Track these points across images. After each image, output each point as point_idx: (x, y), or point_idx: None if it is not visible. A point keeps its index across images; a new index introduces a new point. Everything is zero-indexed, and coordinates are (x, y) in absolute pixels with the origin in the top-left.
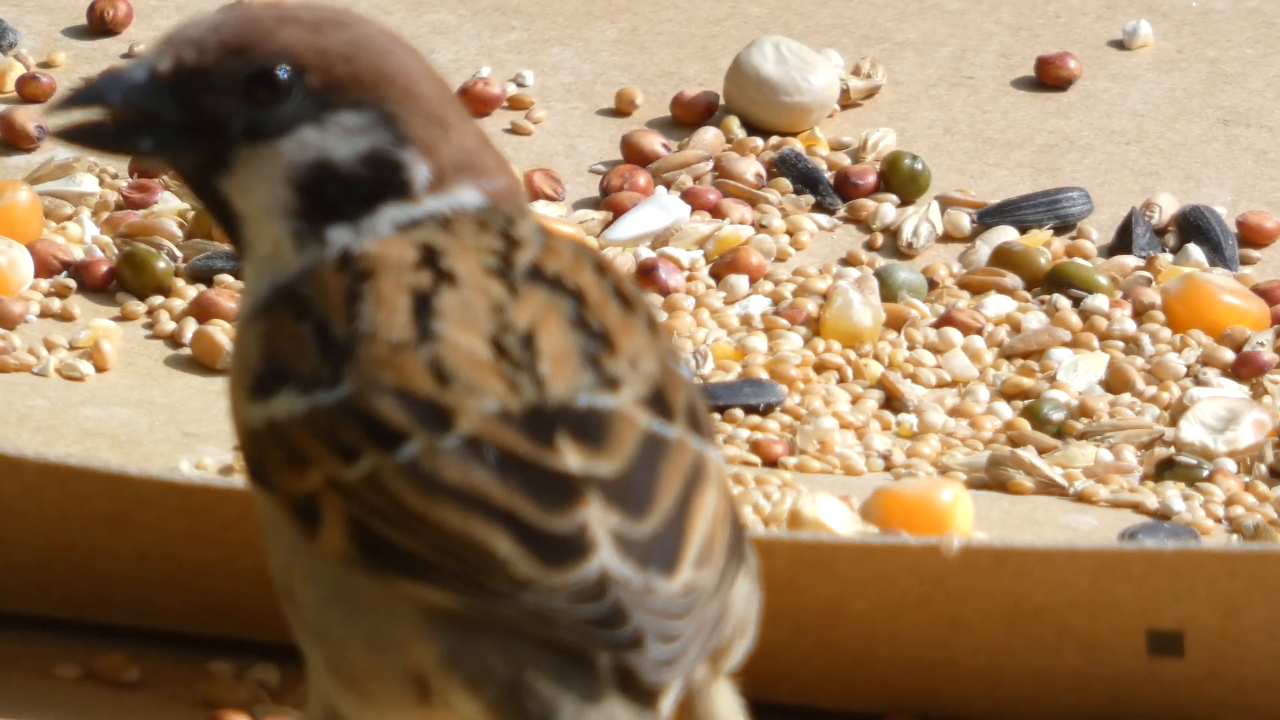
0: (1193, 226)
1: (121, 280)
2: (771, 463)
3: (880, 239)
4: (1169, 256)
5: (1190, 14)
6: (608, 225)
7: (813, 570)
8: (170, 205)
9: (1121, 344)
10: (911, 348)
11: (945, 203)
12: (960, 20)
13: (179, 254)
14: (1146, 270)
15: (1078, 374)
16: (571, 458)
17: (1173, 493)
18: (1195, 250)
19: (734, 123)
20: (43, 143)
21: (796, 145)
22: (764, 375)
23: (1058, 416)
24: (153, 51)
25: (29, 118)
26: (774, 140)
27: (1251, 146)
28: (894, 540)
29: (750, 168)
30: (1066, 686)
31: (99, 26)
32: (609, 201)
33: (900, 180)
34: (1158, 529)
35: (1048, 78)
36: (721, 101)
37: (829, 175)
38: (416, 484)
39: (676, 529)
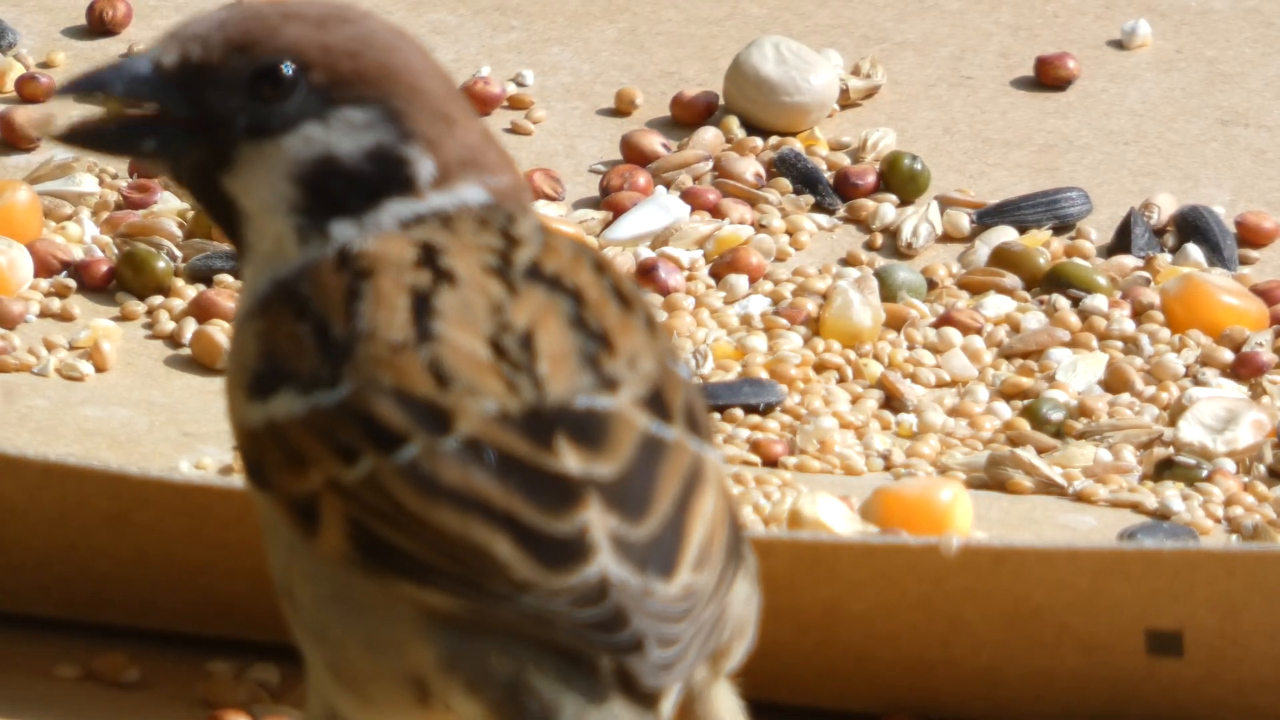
0: (1191, 226)
1: (121, 280)
2: (771, 462)
3: (880, 239)
4: (1168, 256)
5: (1189, 14)
6: (608, 225)
7: (812, 570)
8: (170, 205)
9: (1120, 344)
10: (911, 348)
11: (945, 203)
12: (959, 20)
13: (179, 254)
14: (1145, 270)
15: (1077, 374)
16: (571, 460)
17: (1172, 493)
18: (1194, 250)
19: (734, 123)
20: (42, 142)
21: (796, 145)
22: (764, 375)
23: (1057, 416)
24: (157, 45)
25: (29, 118)
26: (773, 140)
27: (1250, 146)
28: (893, 540)
29: (750, 168)
30: (1066, 686)
31: (98, 26)
32: (609, 201)
33: (900, 180)
34: (1157, 529)
35: (1047, 78)
36: (721, 101)
37: (828, 175)
38: (416, 486)
39: (675, 531)
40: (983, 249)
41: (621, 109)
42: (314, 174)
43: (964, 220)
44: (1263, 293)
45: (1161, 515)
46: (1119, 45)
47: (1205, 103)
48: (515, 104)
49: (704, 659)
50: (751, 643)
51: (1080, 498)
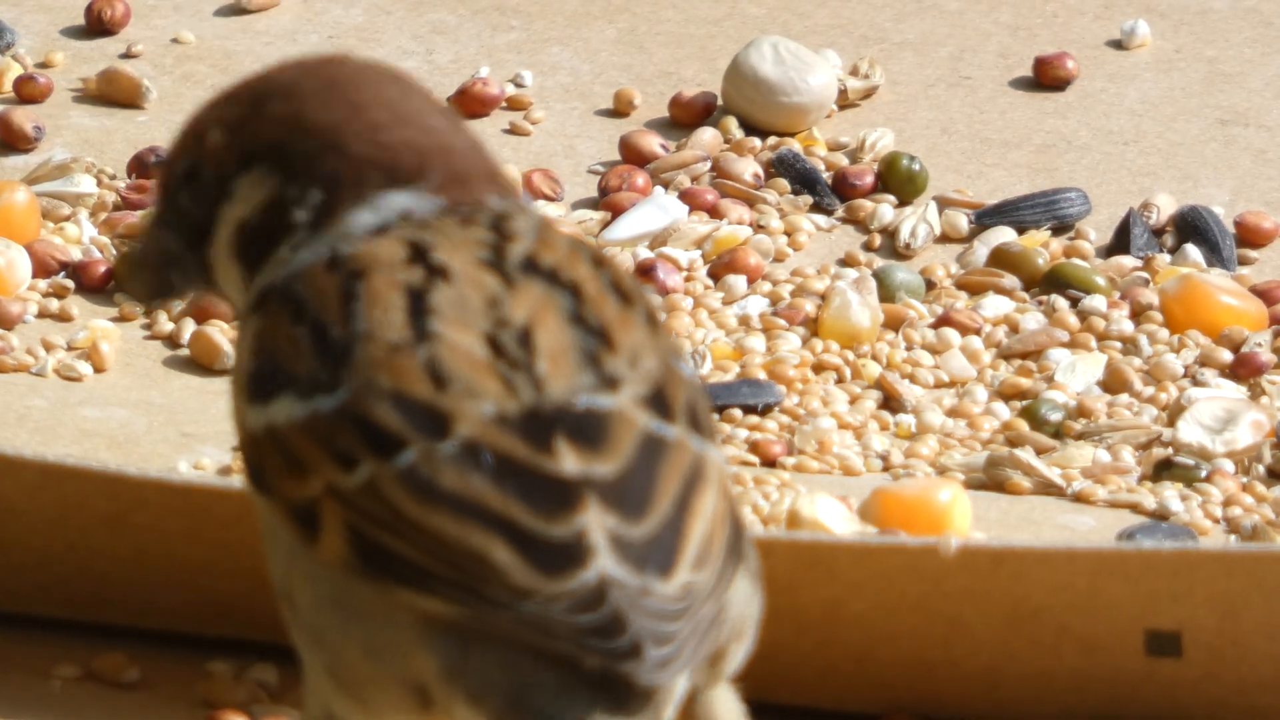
0: (1191, 227)
1: (120, 281)
2: (770, 463)
3: (878, 239)
4: (1167, 257)
5: (1188, 14)
6: (606, 225)
7: (811, 571)
8: None
9: (1119, 344)
10: (909, 348)
11: (943, 203)
12: (958, 20)
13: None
14: (1144, 271)
15: (1075, 374)
16: (569, 461)
17: (1171, 493)
18: (1193, 250)
19: (732, 123)
20: (40, 143)
21: (794, 145)
22: (762, 375)
23: (1055, 417)
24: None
25: (27, 118)
26: (772, 140)
27: (1250, 146)
28: (892, 541)
29: (748, 168)
30: (1065, 687)
31: (97, 26)
32: (607, 202)
33: (898, 181)
34: (1156, 529)
35: (1046, 78)
36: (719, 102)
37: (827, 175)
38: (414, 492)
39: (674, 530)
40: (981, 249)
41: (620, 109)
42: (236, 241)
43: (962, 221)
44: (1262, 293)
45: (1160, 516)
46: (1118, 45)
47: (1204, 103)
48: (514, 104)
49: (701, 658)
50: (752, 645)
51: (1079, 498)
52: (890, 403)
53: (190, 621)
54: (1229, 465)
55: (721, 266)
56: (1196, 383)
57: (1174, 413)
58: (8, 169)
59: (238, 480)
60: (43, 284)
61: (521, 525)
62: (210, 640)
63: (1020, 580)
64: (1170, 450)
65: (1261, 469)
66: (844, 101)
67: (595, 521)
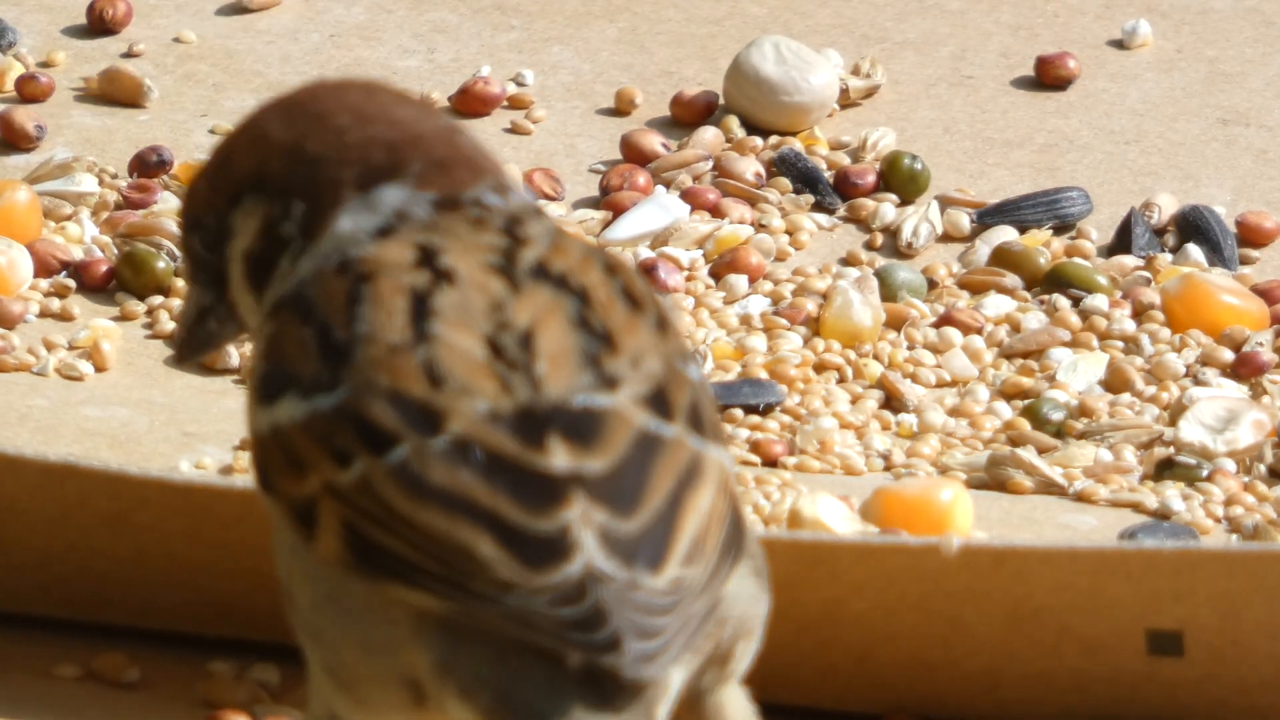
0: (1192, 226)
1: (121, 280)
2: (771, 462)
3: (880, 239)
4: (1168, 256)
5: (1189, 13)
6: (607, 225)
7: (812, 570)
8: (170, 205)
9: (1121, 344)
10: (911, 347)
11: (945, 202)
12: (960, 20)
13: (178, 254)
14: (1146, 270)
15: (1077, 374)
16: (559, 458)
17: (1172, 493)
18: (1194, 250)
19: (733, 122)
20: (42, 142)
21: (796, 145)
22: (764, 375)
23: (1057, 416)
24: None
25: (28, 117)
26: (773, 140)
27: (1251, 146)
28: (894, 540)
29: (750, 167)
30: (1066, 686)
31: (98, 26)
32: (609, 201)
33: (900, 180)
34: (1157, 529)
35: (1047, 77)
36: (721, 101)
37: (828, 175)
38: (405, 487)
39: (665, 526)
40: (983, 249)
41: (621, 108)
42: (248, 270)
43: (964, 220)
44: (1263, 292)
45: (1162, 515)
46: (1119, 45)
47: (1206, 102)
48: (515, 103)
49: (691, 652)
50: (759, 644)
51: (1081, 498)
52: (892, 402)
53: (191, 621)
54: (1230, 465)
55: (723, 266)
56: (1198, 382)
57: (1175, 412)
58: (9, 168)
59: (239, 480)
60: (44, 283)
61: (507, 520)
62: (211, 640)
63: (1022, 580)
64: (1172, 450)
65: (1263, 468)
66: (845, 101)
67: (581, 516)
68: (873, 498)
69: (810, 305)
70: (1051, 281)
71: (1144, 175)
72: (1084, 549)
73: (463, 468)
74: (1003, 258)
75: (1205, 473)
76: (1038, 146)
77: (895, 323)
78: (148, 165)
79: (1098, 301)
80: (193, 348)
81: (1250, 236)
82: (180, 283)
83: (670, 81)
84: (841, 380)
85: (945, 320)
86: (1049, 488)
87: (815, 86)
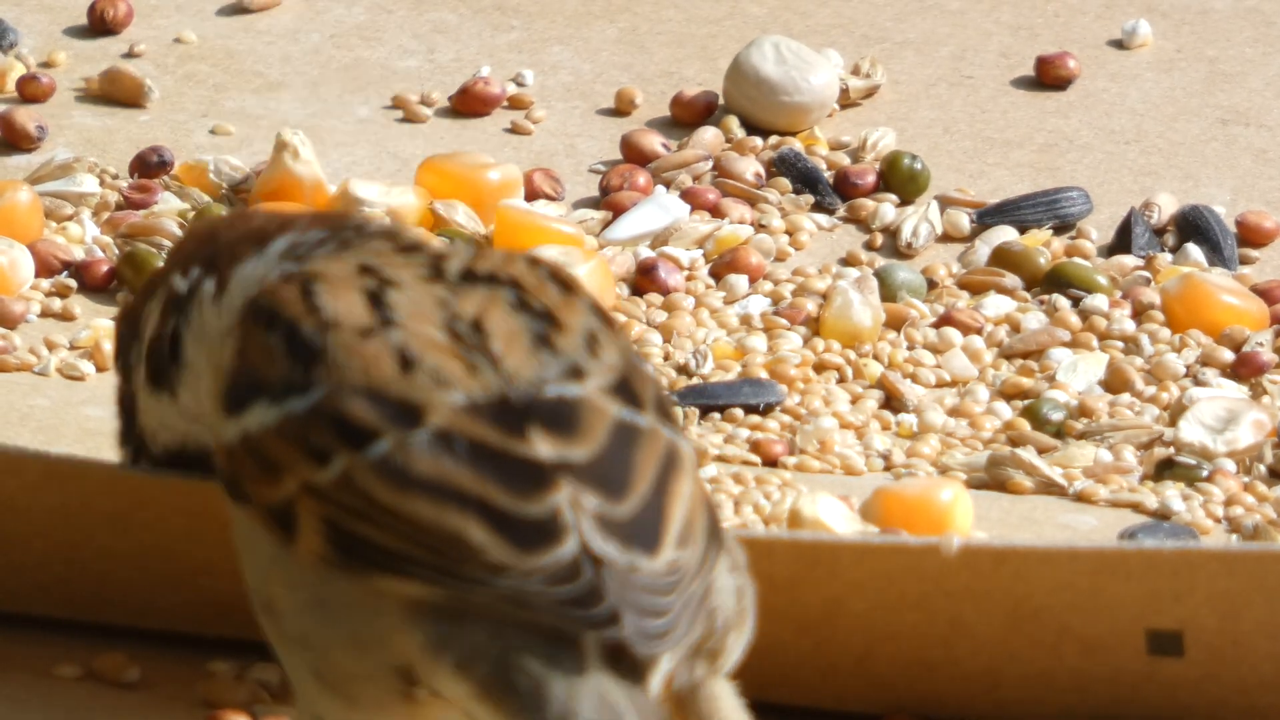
0: (1192, 226)
1: (122, 280)
2: (771, 462)
3: (880, 239)
4: (1168, 256)
5: (1189, 13)
6: (607, 225)
7: (812, 570)
8: (170, 205)
9: (1121, 344)
10: (911, 347)
11: (945, 202)
12: (960, 20)
13: None
14: (1146, 270)
15: (1077, 374)
16: (543, 446)
17: (1172, 493)
18: (1194, 250)
19: (733, 122)
20: (43, 143)
21: (796, 145)
22: (764, 375)
23: (1057, 416)
24: None
25: (30, 118)
26: (773, 140)
27: (1250, 146)
28: (894, 540)
29: (750, 167)
30: (1066, 686)
31: (99, 26)
32: (609, 201)
33: (900, 180)
34: (1157, 529)
35: (1047, 77)
36: (721, 101)
37: (828, 175)
38: (388, 479)
39: (656, 510)
40: (983, 249)
41: (621, 109)
42: (151, 360)
43: (964, 220)
44: (1263, 292)
45: (1162, 515)
46: (1119, 45)
47: (1206, 102)
48: (515, 104)
49: (693, 633)
50: (749, 637)
51: (1081, 498)
52: (892, 402)
53: (191, 621)
54: (1230, 465)
55: (723, 266)
56: (1198, 382)
57: (1175, 412)
58: (10, 168)
59: None
60: (45, 283)
61: (496, 505)
62: (211, 640)
63: (1022, 580)
64: (1172, 450)
65: (1263, 468)
66: (845, 101)
67: (571, 501)
68: (873, 498)
69: (810, 305)
70: (1051, 281)
71: (1144, 175)
72: (1084, 549)
73: (447, 457)
74: (1002, 258)
75: (1205, 473)
76: (1038, 146)
77: (895, 323)
78: (149, 165)
79: (1098, 301)
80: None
81: (1250, 236)
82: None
83: (670, 81)
84: (841, 380)
85: (945, 320)
86: (1049, 488)
87: (815, 86)
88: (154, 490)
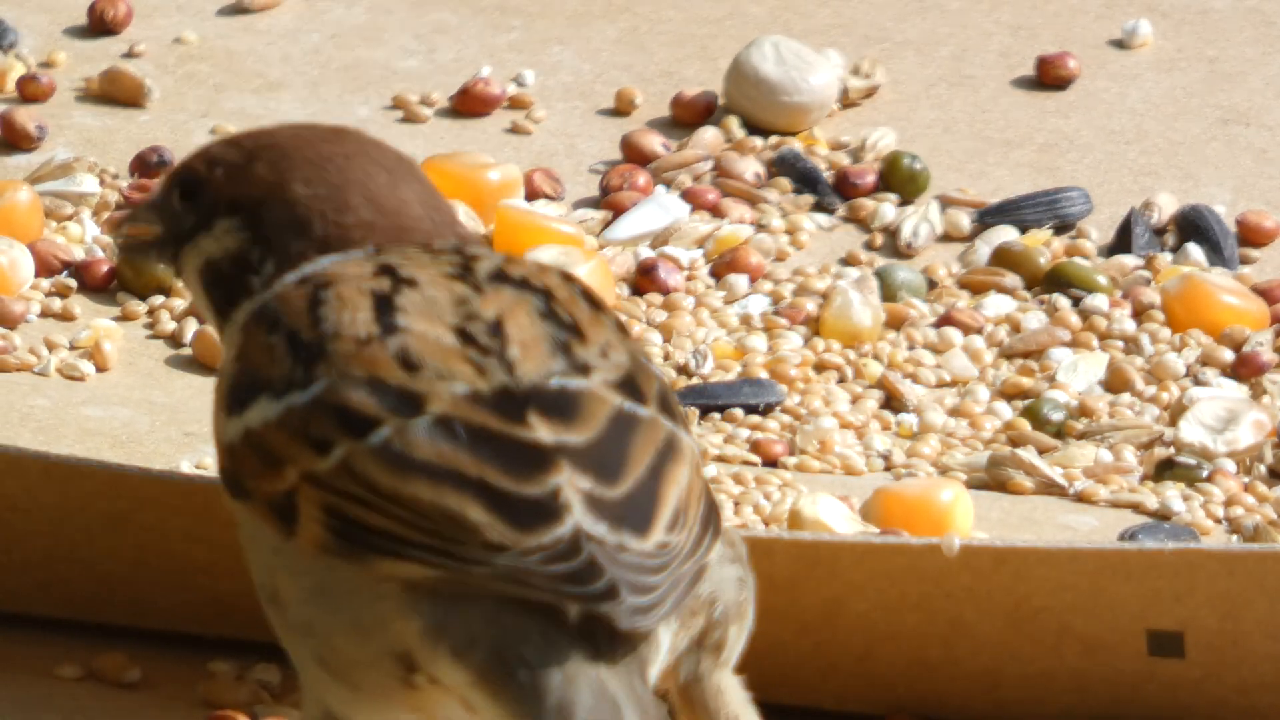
0: (1192, 226)
1: (122, 280)
2: (771, 462)
3: (880, 239)
4: (1168, 256)
5: (1190, 13)
6: (607, 225)
7: (813, 570)
8: None
9: (1121, 344)
10: (911, 347)
11: (945, 202)
12: (960, 20)
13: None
14: (1146, 270)
15: (1077, 374)
16: (543, 431)
17: (1172, 493)
18: (1195, 250)
19: (734, 122)
20: (43, 143)
21: (796, 145)
22: (764, 375)
23: (1057, 416)
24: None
25: (30, 117)
26: (773, 140)
27: (1251, 146)
28: (894, 540)
29: (750, 167)
30: (1067, 687)
31: (99, 26)
32: (609, 201)
33: (900, 180)
34: (1157, 529)
35: (1047, 77)
36: (721, 101)
37: (828, 175)
38: (388, 464)
39: (649, 494)
40: (983, 248)
41: (622, 109)
42: (205, 274)
43: (964, 220)
44: (1263, 292)
45: (1162, 515)
46: (1120, 45)
47: (1206, 102)
48: (516, 104)
49: (681, 616)
50: (750, 627)
51: (1081, 498)
52: (892, 402)
53: (192, 621)
54: (1231, 465)
55: (723, 266)
56: (1198, 382)
57: (1176, 412)
58: (10, 168)
59: None
60: (45, 283)
61: (495, 486)
62: (212, 640)
63: (1022, 580)
64: (1172, 450)
65: (1263, 469)
66: (845, 101)
67: (569, 482)
68: (873, 498)
69: (810, 305)
70: (1051, 281)
71: (1144, 175)
72: (1084, 549)
73: (447, 442)
74: (1003, 257)
75: (1205, 473)
76: (1038, 146)
77: (895, 323)
78: (148, 165)
79: (1098, 301)
80: (129, 250)
81: (1250, 236)
82: (180, 282)
83: (670, 82)
84: (842, 380)
85: (945, 320)
86: (1049, 488)
87: (815, 87)
88: (154, 490)
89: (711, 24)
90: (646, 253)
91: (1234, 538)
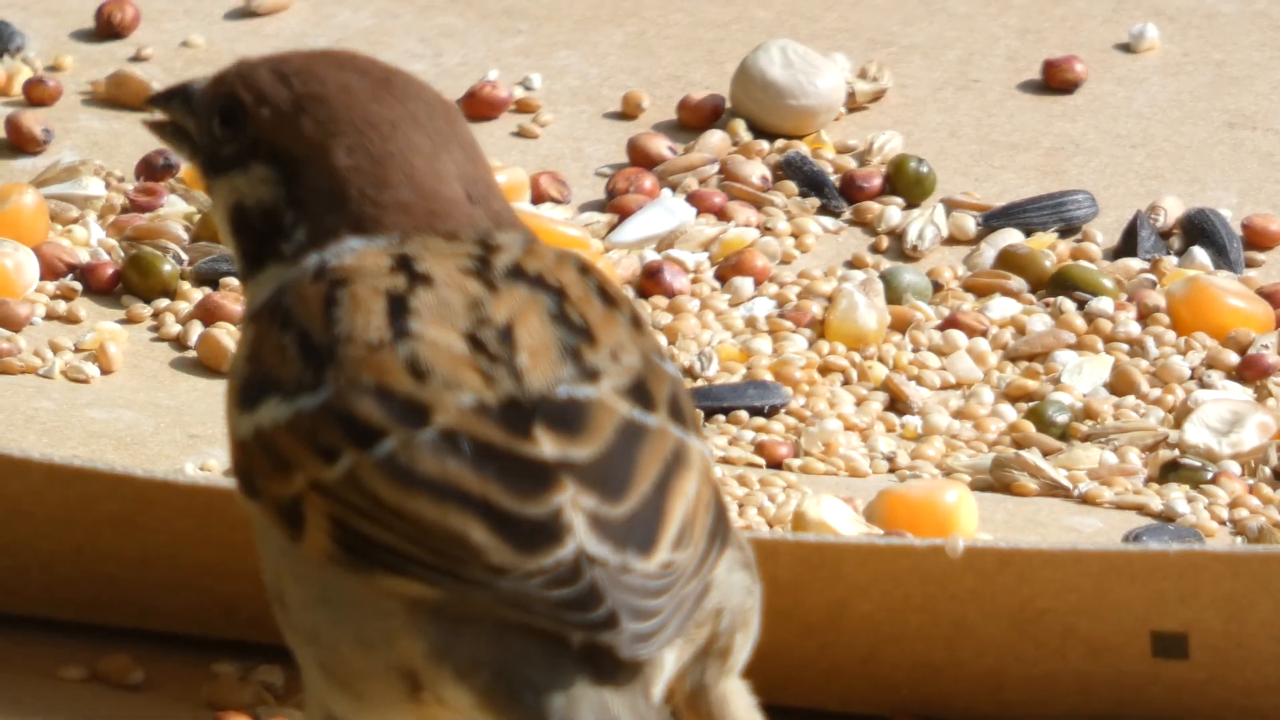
0: (1198, 229)
1: (127, 283)
2: (776, 464)
3: (885, 241)
4: (1174, 259)
5: (1196, 17)
6: (613, 228)
7: (817, 572)
8: (176, 208)
9: (1126, 346)
10: (916, 350)
11: (950, 205)
12: (966, 24)
13: (185, 257)
14: (1151, 273)
15: (1082, 376)
16: (548, 445)
17: (1177, 495)
18: (1200, 253)
19: (740, 126)
20: (49, 146)
21: (802, 148)
22: (769, 377)
23: (1062, 419)
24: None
25: (36, 121)
26: (780, 143)
27: (1257, 149)
28: (898, 542)
29: (756, 170)
30: (1071, 688)
31: (106, 30)
32: (615, 204)
33: (906, 183)
34: (1162, 531)
35: (1054, 81)
36: (728, 105)
37: (834, 178)
38: (393, 478)
39: (655, 511)
40: (989, 251)
41: (628, 112)
42: (234, 216)
43: (970, 223)
44: (1269, 295)
45: (1167, 517)
46: (1126, 48)
47: (1212, 106)
48: (523, 107)
49: (685, 635)
50: (756, 636)
51: (1085, 500)
52: (896, 404)
53: (196, 623)
54: (1235, 467)
55: (729, 268)
56: (1203, 385)
57: (1180, 414)
58: (16, 171)
59: None
60: (50, 286)
61: (498, 506)
62: (215, 642)
63: (1026, 582)
64: (1177, 452)
65: (1268, 471)
66: (852, 104)
67: (573, 501)
68: (877, 500)
69: (815, 308)
70: (1057, 284)
71: (1150, 178)
72: (1089, 551)
73: (451, 458)
74: (1008, 260)
75: (1210, 475)
76: (1044, 150)
77: (900, 325)
78: (154, 169)
79: (1103, 304)
80: (161, 132)
81: (1256, 239)
82: (185, 285)
83: (677, 85)
84: (846, 382)
85: (950, 323)
86: (1054, 490)
87: (822, 90)
88: (158, 493)
89: (718, 27)
90: (652, 256)
91: (1238, 539)
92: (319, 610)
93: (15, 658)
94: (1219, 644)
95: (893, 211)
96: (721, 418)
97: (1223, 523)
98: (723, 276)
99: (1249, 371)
